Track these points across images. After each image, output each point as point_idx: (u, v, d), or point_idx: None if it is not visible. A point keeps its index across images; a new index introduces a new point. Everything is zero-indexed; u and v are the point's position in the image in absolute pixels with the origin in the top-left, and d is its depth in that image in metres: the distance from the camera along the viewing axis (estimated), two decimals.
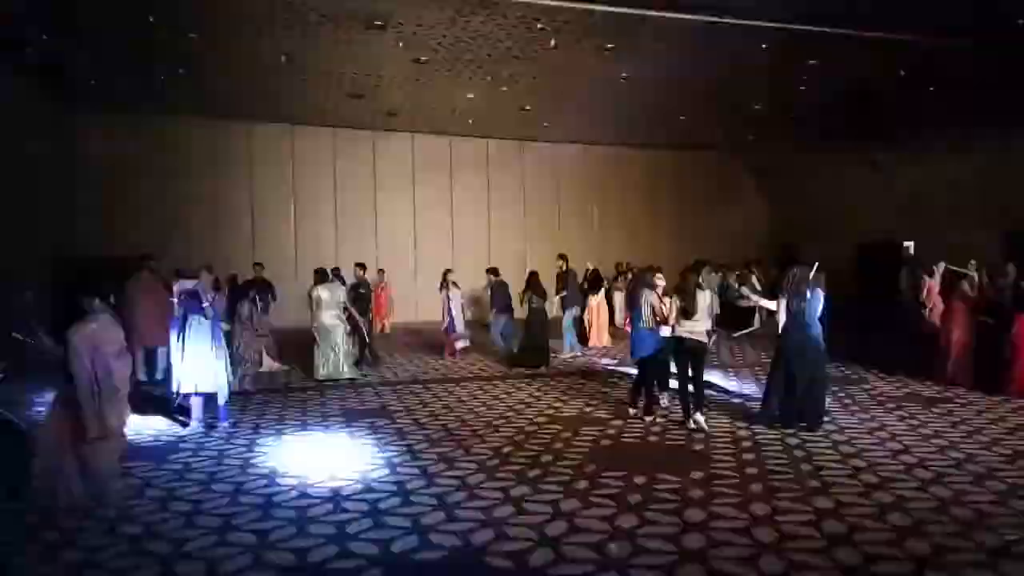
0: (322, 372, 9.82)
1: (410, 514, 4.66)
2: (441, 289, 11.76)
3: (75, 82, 13.06)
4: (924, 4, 8.88)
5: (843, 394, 8.41)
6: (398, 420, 7.42)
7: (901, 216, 16.17)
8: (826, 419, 6.93)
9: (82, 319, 5.10)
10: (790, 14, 9.49)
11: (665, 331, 7.08)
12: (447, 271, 11.95)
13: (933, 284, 10.47)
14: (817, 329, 6.86)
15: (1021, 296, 8.32)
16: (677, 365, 7.25)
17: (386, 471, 5.62)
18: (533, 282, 11.17)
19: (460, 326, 11.85)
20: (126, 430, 5.55)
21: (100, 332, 5.11)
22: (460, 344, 11.92)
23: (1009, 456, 5.79)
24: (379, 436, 6.74)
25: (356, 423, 7.30)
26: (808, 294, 6.82)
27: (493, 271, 11.85)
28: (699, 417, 6.88)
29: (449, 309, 11.67)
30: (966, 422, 6.98)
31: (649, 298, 7.32)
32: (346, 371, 9.88)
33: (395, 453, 6.14)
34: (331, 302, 9.93)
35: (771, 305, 7.40)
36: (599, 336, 13.08)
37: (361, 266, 12.11)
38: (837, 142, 17.14)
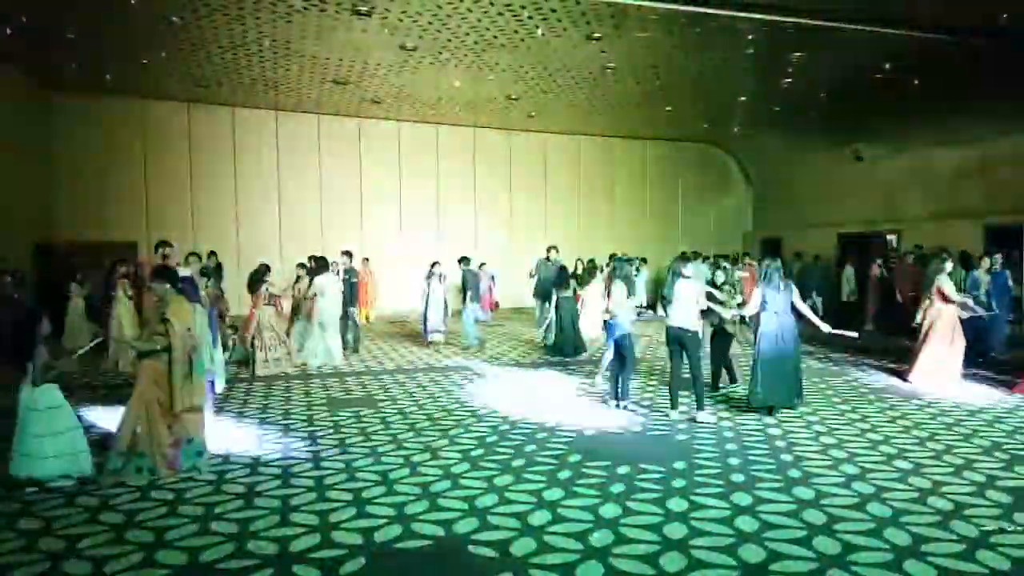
0: (315, 361, 9.94)
1: (393, 503, 4.65)
2: (427, 279, 11.76)
3: (55, 66, 12.86)
4: (909, 2, 8.92)
5: (824, 384, 8.50)
6: (382, 409, 7.41)
7: (883, 207, 16.34)
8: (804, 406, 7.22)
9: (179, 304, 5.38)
10: (775, 6, 9.50)
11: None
12: (434, 263, 11.93)
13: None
14: (791, 318, 7.15)
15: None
16: (669, 356, 7.28)
17: (370, 460, 5.61)
18: (564, 274, 11.42)
19: (436, 319, 11.82)
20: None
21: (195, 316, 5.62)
22: (435, 337, 11.90)
23: (987, 448, 5.88)
24: (363, 425, 6.73)
25: (341, 411, 7.28)
26: (781, 286, 7.14)
27: (464, 260, 12.26)
28: (703, 416, 6.85)
29: (428, 300, 11.67)
30: (946, 413, 7.08)
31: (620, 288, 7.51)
32: (337, 358, 10.07)
33: (379, 442, 6.13)
34: (334, 291, 10.18)
35: (726, 313, 7.80)
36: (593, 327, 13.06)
37: (348, 254, 12.05)
38: (821, 134, 17.25)
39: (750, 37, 10.80)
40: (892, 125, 15.31)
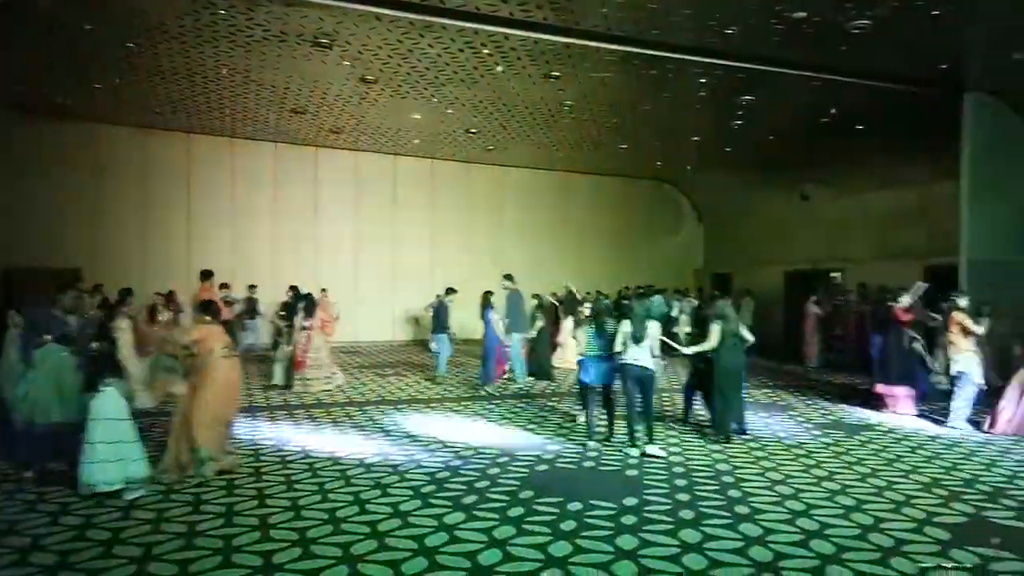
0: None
1: (340, 543, 4.56)
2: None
3: (8, 89, 12.56)
4: (854, 49, 9.35)
5: (771, 419, 8.68)
6: (330, 443, 7.28)
7: (827, 246, 16.89)
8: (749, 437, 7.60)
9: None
10: (729, 52, 9.86)
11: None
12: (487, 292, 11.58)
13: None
14: (740, 351, 7.73)
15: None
16: (625, 393, 7.35)
17: (317, 498, 5.49)
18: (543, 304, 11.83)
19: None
20: None
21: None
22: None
23: (927, 484, 6.05)
24: (311, 460, 6.60)
25: (288, 447, 7.14)
26: (731, 320, 7.69)
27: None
28: (653, 450, 6.95)
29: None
30: (888, 449, 7.28)
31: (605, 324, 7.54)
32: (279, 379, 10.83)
33: (328, 479, 6.02)
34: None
35: (686, 351, 8.19)
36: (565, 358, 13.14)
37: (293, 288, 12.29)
38: (770, 174, 17.82)
39: (703, 80, 11.17)
40: (837, 168, 15.92)
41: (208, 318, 6.48)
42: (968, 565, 4.30)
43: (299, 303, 11.13)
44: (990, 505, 5.48)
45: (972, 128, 11.37)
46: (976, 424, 8.25)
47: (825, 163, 15.90)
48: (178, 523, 4.91)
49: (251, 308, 14.88)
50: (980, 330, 8.25)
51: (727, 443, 7.39)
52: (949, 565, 4.31)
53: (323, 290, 15.45)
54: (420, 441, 7.45)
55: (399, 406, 9.50)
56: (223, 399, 6.17)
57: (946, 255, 11.96)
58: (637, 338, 7.09)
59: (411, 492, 5.65)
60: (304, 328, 10.78)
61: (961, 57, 10.02)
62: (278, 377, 10.99)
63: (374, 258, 18.20)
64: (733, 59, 10.02)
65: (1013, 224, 11.43)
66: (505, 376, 11.72)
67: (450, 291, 11.83)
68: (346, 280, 17.44)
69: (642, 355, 7.09)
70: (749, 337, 7.78)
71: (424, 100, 13.04)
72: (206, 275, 12.29)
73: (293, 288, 12.83)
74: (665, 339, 7.75)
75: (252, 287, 15.12)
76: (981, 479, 6.20)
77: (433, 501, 5.43)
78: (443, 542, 4.59)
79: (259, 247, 17.04)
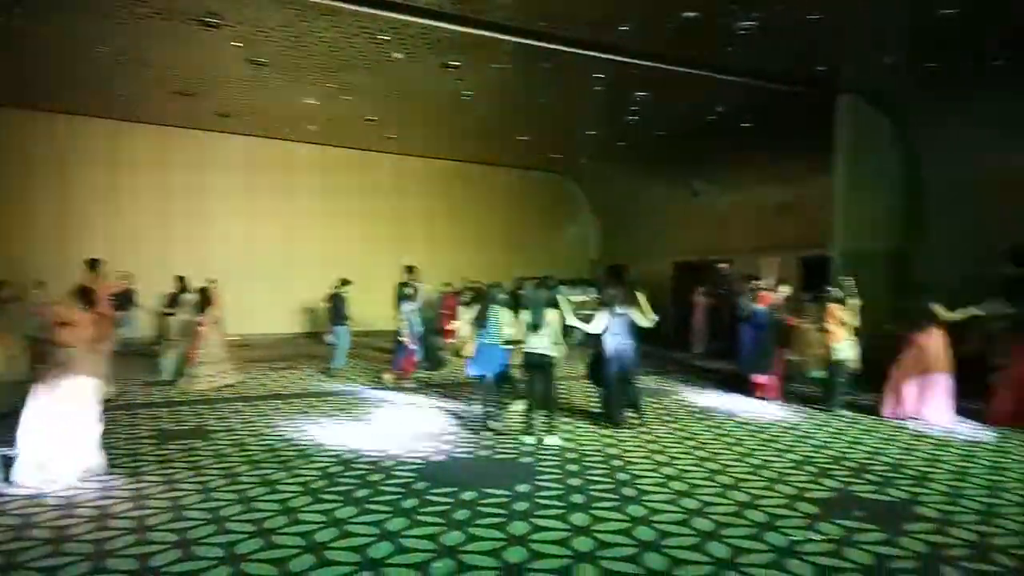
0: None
1: (223, 543, 4.39)
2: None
3: None
4: (740, 49, 9.81)
5: (660, 406, 9.03)
6: (217, 441, 6.99)
7: (714, 239, 17.70)
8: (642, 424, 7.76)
9: None
10: (622, 48, 10.12)
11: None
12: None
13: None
14: (630, 340, 7.81)
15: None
16: (526, 381, 7.43)
17: (199, 498, 5.26)
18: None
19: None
20: None
21: None
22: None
23: (798, 462, 6.47)
24: (195, 458, 6.32)
25: (170, 444, 6.80)
26: (621, 310, 7.80)
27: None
28: (553, 440, 7.03)
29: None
30: (764, 431, 7.74)
31: (494, 314, 7.52)
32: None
33: (212, 477, 5.77)
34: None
35: (585, 327, 8.02)
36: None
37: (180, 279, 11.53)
38: (661, 168, 18.46)
39: (597, 75, 11.41)
40: (723, 163, 16.68)
41: (84, 306, 5.97)
42: (836, 536, 4.63)
43: (183, 294, 10.60)
44: (855, 480, 5.92)
45: (844, 128, 12.21)
46: (852, 407, 8.86)
47: (712, 158, 16.61)
48: (47, 528, 4.58)
49: (127, 300, 13.66)
50: (856, 322, 8.85)
51: (617, 428, 7.63)
52: (817, 537, 4.63)
53: (212, 281, 14.80)
54: (312, 435, 7.28)
55: (291, 400, 9.24)
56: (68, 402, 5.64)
57: (818, 247, 12.80)
58: (535, 326, 7.19)
59: (300, 488, 5.51)
60: (197, 322, 10.27)
61: (836, 60, 10.69)
62: (167, 372, 10.43)
63: (267, 248, 17.54)
64: (626, 55, 10.29)
65: (880, 218, 12.33)
66: (414, 370, 11.44)
67: (345, 282, 11.56)
68: (238, 271, 16.71)
69: (541, 343, 7.20)
70: (644, 323, 7.86)
71: (320, 85, 12.66)
72: (93, 264, 11.39)
73: (180, 279, 12.21)
74: (577, 323, 7.83)
75: (126, 276, 13.70)
76: (848, 456, 6.69)
77: (324, 496, 5.31)
78: (332, 537, 4.51)
79: (144, 235, 16.06)
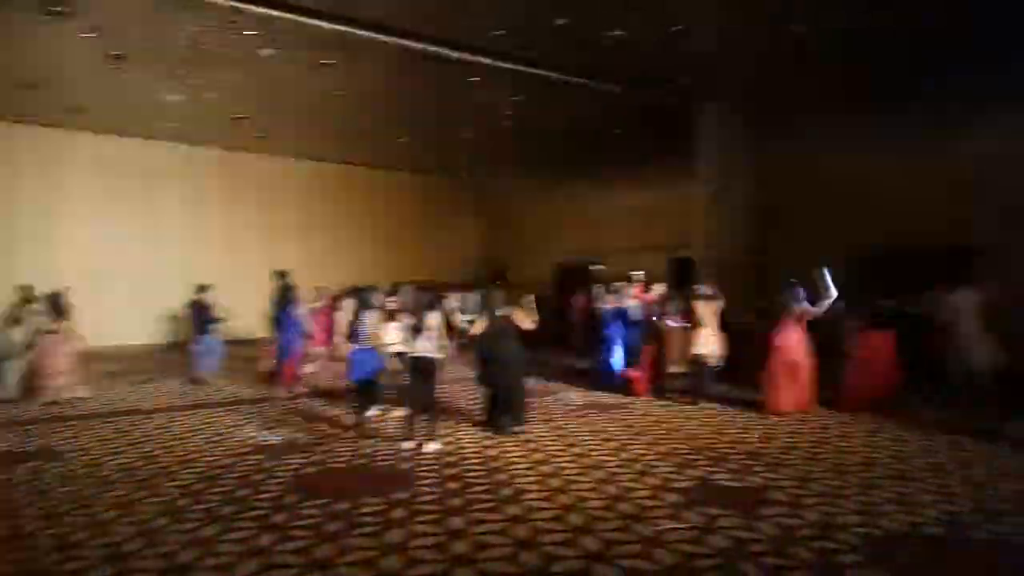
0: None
1: (70, 570, 4.05)
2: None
3: None
4: (611, 57, 10.19)
5: (538, 403, 9.19)
6: (67, 461, 6.45)
7: (591, 240, 18.29)
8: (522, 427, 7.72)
9: None
10: (496, 53, 10.24)
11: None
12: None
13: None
14: (513, 341, 7.73)
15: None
16: (410, 385, 7.31)
17: (43, 523, 4.83)
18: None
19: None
20: None
21: None
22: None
23: (665, 454, 6.78)
24: (41, 481, 5.79)
25: (13, 467, 6.20)
26: (499, 311, 7.76)
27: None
28: (434, 446, 6.91)
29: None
30: (634, 425, 8.05)
31: (370, 318, 7.39)
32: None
33: (59, 500, 5.31)
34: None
35: (473, 329, 8.01)
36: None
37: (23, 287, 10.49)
38: (541, 171, 18.85)
39: (475, 78, 11.48)
40: (596, 167, 17.27)
41: None
42: (698, 524, 4.88)
43: (28, 304, 9.69)
44: (715, 470, 6.26)
45: (705, 135, 12.94)
46: (720, 401, 9.34)
47: (587, 160, 17.16)
48: None
49: None
50: (715, 320, 9.37)
51: (499, 434, 7.58)
52: (682, 525, 4.85)
53: (63, 289, 13.65)
54: (174, 451, 6.86)
55: (152, 415, 8.66)
56: None
57: (686, 248, 13.51)
58: (417, 328, 7.13)
59: (161, 507, 5.18)
60: (50, 331, 9.39)
61: (698, 70, 11.31)
62: (9, 388, 9.49)
63: (125, 254, 16.34)
64: (499, 58, 10.42)
65: (739, 220, 13.14)
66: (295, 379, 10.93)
67: (203, 288, 10.97)
68: (93, 278, 15.48)
69: (423, 345, 7.13)
70: (527, 325, 7.86)
71: (183, 80, 11.97)
72: None
73: (23, 288, 11.11)
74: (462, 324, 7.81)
75: None
76: (712, 447, 7.07)
77: (187, 516, 5.02)
78: (195, 558, 4.27)
79: None
